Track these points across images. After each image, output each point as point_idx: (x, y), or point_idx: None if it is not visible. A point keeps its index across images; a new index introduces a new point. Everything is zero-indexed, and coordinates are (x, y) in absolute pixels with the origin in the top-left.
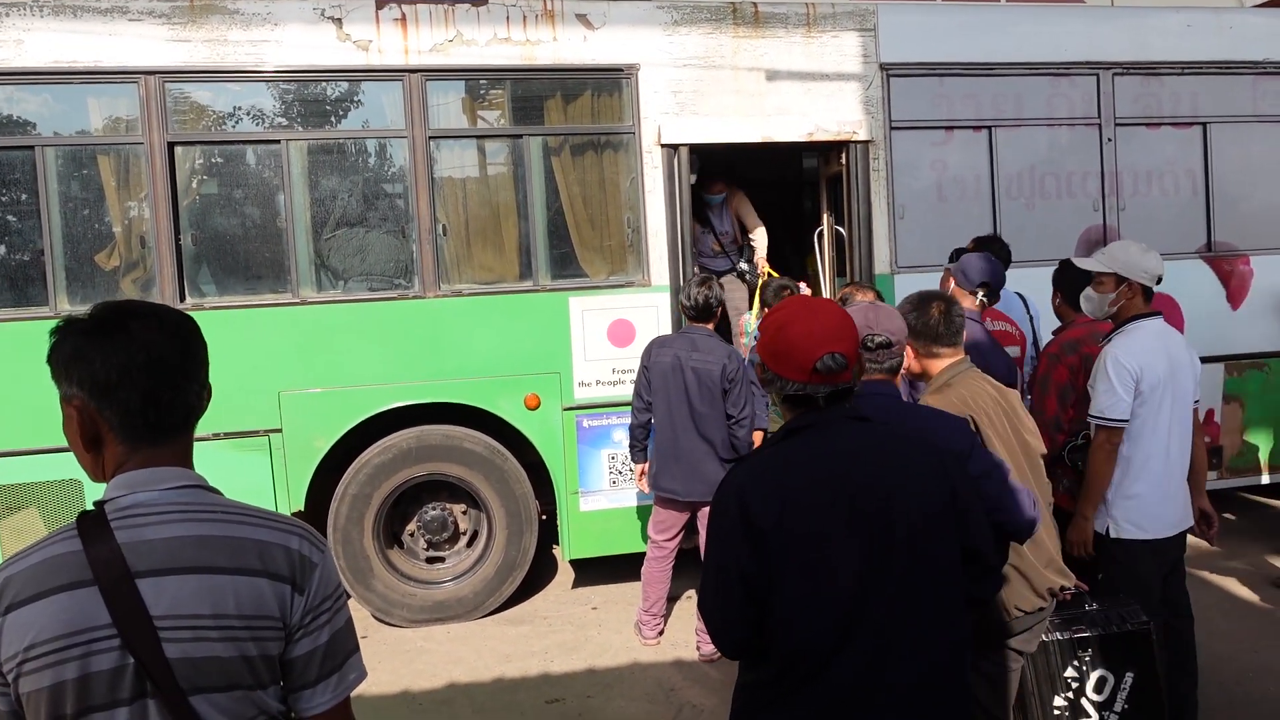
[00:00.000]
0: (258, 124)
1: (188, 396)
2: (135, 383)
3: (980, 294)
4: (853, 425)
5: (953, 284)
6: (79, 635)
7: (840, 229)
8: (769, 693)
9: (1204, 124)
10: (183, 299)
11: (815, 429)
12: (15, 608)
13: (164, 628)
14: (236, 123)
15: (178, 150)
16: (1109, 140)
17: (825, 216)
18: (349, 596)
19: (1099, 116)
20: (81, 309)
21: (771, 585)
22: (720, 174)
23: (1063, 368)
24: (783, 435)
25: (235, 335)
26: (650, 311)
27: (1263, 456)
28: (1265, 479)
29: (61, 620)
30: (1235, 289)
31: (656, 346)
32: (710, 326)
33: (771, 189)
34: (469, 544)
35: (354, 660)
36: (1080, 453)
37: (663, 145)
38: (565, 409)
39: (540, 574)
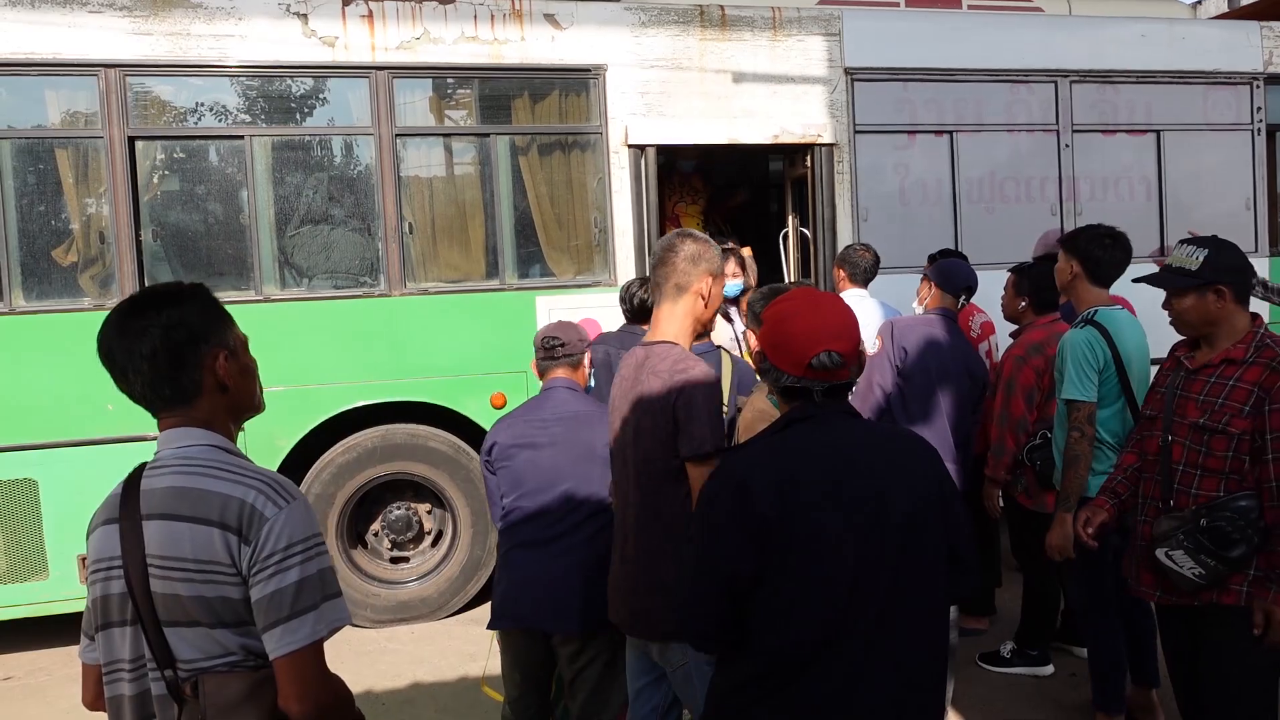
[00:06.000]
0: (221, 119)
1: (189, 374)
2: (138, 367)
3: (961, 296)
4: (848, 420)
5: (931, 286)
6: (104, 562)
7: (805, 231)
8: (753, 690)
9: (1158, 131)
10: None
11: (811, 422)
12: (91, 532)
13: (151, 565)
14: (199, 118)
15: (138, 145)
16: (1066, 146)
17: (790, 219)
18: (317, 553)
19: (1057, 123)
20: (37, 305)
21: (762, 580)
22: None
23: (1029, 370)
24: (781, 426)
25: None
26: (617, 311)
27: None
28: None
29: (98, 547)
30: None
31: (594, 343)
32: (646, 326)
33: (737, 190)
34: (433, 543)
35: (307, 618)
36: (1039, 451)
37: (630, 146)
38: None
39: None
